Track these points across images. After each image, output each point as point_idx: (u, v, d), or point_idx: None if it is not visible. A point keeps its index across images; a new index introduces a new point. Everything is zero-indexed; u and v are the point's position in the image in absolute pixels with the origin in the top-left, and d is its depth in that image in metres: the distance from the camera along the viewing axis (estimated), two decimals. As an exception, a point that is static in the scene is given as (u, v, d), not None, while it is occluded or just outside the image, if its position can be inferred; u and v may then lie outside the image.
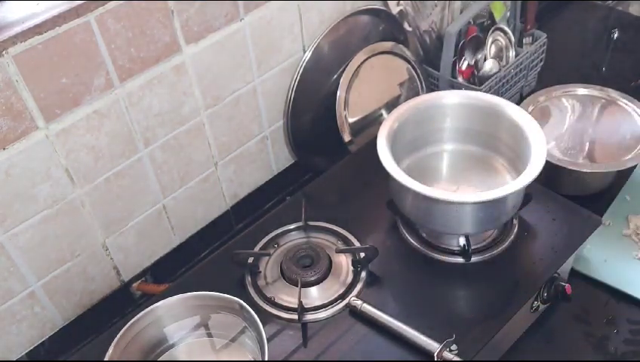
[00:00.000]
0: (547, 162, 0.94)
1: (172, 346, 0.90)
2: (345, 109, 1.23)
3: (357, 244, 1.01)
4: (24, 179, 0.87)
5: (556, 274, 0.96)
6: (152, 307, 0.86)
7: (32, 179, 0.88)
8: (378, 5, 1.27)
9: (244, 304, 0.84)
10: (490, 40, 1.34)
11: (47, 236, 0.93)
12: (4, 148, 0.83)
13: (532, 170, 0.89)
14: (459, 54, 1.32)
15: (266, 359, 0.79)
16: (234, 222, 1.24)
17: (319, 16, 1.17)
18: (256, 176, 1.24)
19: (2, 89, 0.80)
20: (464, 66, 1.31)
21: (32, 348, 0.99)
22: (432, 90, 1.33)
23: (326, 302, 0.93)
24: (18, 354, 0.98)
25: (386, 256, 0.98)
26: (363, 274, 0.97)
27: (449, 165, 1.09)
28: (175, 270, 1.15)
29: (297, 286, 0.94)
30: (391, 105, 1.30)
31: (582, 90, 1.30)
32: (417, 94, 1.33)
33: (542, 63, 1.43)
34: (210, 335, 0.90)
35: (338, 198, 1.11)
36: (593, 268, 1.07)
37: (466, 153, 1.08)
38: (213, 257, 1.04)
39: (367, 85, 1.25)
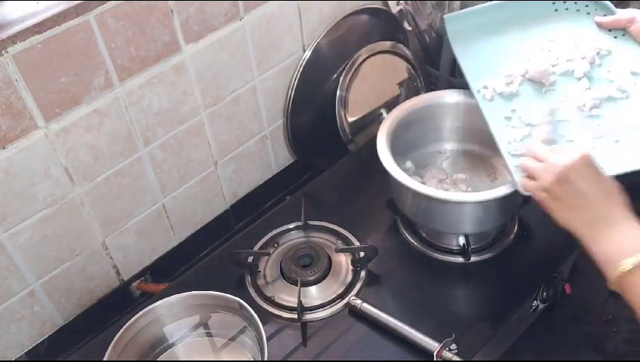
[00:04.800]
0: (547, 161, 0.94)
1: (172, 345, 0.90)
2: (345, 109, 1.23)
3: (357, 244, 1.01)
4: (24, 178, 0.87)
5: (556, 274, 0.97)
6: (151, 306, 0.86)
7: (32, 178, 0.88)
8: (378, 4, 1.27)
9: (244, 303, 0.84)
10: (490, 39, 1.34)
11: (46, 235, 0.93)
12: (3, 148, 0.83)
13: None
14: (459, 54, 1.31)
15: (266, 358, 0.79)
16: (233, 222, 1.24)
17: (319, 16, 1.17)
18: (256, 175, 1.24)
19: (2, 88, 0.79)
20: (464, 66, 1.31)
21: (31, 347, 0.99)
22: (432, 90, 1.32)
23: (325, 301, 0.93)
24: (17, 353, 0.98)
25: (385, 255, 0.98)
26: (362, 273, 0.97)
27: (449, 164, 1.09)
28: (175, 269, 1.15)
29: (297, 286, 0.94)
30: (391, 105, 1.30)
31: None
32: (417, 94, 1.33)
33: (542, 63, 1.42)
34: (209, 334, 0.90)
35: (338, 198, 1.11)
36: None
37: (465, 152, 1.08)
38: (212, 256, 1.05)
39: (367, 84, 1.25)
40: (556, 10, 0.97)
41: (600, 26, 0.92)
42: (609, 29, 0.92)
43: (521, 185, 0.80)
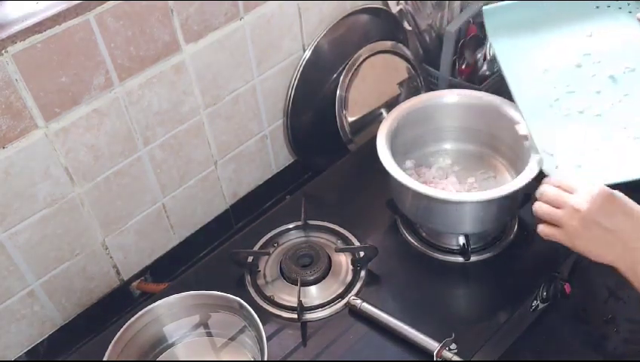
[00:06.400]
0: (547, 161, 0.94)
1: (171, 345, 0.90)
2: (344, 108, 1.23)
3: (356, 243, 1.01)
4: (24, 177, 0.87)
5: (556, 274, 0.96)
6: (151, 306, 0.86)
7: (32, 178, 0.88)
8: (378, 4, 1.27)
9: (244, 303, 0.84)
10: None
11: (46, 235, 0.93)
12: (3, 147, 0.83)
13: (531, 169, 0.89)
14: (459, 53, 1.31)
15: (266, 358, 0.79)
16: (233, 221, 1.24)
17: (319, 15, 1.17)
18: (256, 175, 1.24)
19: (2, 88, 0.79)
20: (464, 65, 1.31)
21: (31, 347, 0.99)
22: (432, 90, 1.32)
23: (325, 301, 0.93)
24: (17, 353, 0.98)
25: (385, 255, 0.98)
26: (362, 273, 0.97)
27: (449, 164, 1.08)
28: (174, 269, 1.15)
29: (297, 285, 0.94)
30: (391, 105, 1.30)
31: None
32: (417, 93, 1.33)
33: (542, 63, 1.42)
34: (209, 334, 0.90)
35: (338, 197, 1.11)
36: None
37: (465, 152, 1.08)
38: (212, 256, 1.05)
39: (367, 84, 1.25)
40: (597, 7, 0.98)
41: None
42: None
43: (544, 234, 0.77)
